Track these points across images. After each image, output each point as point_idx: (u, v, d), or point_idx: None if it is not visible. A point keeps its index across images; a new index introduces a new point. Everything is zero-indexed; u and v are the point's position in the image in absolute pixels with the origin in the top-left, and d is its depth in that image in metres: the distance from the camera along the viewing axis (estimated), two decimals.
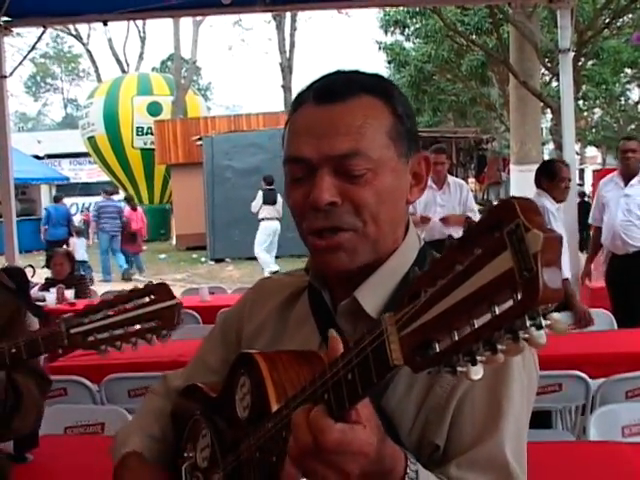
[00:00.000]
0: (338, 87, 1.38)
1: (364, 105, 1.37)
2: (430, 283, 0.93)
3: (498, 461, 1.29)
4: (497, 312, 0.84)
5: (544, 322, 0.83)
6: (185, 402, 1.63)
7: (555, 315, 0.84)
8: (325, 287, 1.47)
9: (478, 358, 0.88)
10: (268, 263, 17.15)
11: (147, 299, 1.82)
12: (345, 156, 1.33)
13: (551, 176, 6.28)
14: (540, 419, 4.66)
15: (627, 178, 7.18)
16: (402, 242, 1.45)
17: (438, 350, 0.91)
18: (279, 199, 16.50)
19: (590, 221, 7.63)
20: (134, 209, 20.07)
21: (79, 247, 17.76)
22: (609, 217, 7.20)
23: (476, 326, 0.87)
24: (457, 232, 0.94)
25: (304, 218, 1.38)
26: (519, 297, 0.82)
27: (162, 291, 1.82)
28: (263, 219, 16.98)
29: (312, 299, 1.51)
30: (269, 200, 16.75)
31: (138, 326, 1.83)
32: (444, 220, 7.60)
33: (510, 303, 0.83)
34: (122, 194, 31.04)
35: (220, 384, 1.50)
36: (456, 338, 0.89)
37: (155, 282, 1.85)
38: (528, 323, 0.82)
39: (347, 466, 1.06)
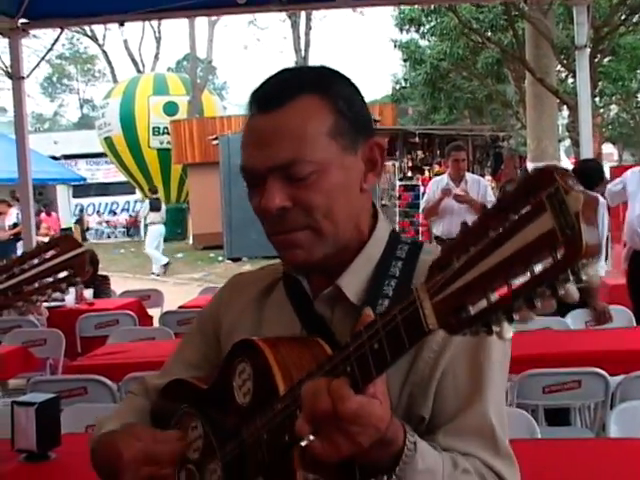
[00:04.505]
0: (276, 92, 1.39)
1: (302, 107, 1.37)
2: (462, 251, 0.97)
3: (484, 427, 1.35)
4: (537, 271, 0.89)
5: (584, 276, 0.88)
6: (167, 400, 1.62)
7: (589, 270, 0.88)
8: (304, 275, 1.50)
9: (515, 316, 0.92)
10: (158, 259, 19.73)
11: (54, 252, 1.81)
12: (287, 165, 1.35)
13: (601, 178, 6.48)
14: (559, 416, 4.65)
15: None
16: (374, 230, 1.48)
17: (473, 313, 0.95)
18: (163, 206, 19.95)
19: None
20: (49, 214, 22.23)
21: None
22: (630, 213, 7.13)
23: (514, 286, 0.91)
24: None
25: (263, 221, 1.43)
26: (561, 254, 0.87)
27: (67, 242, 1.82)
28: (150, 224, 19.66)
29: (288, 287, 1.54)
30: (154, 207, 19.63)
31: (51, 278, 1.81)
32: (459, 197, 7.63)
33: (549, 261, 0.88)
34: (138, 194, 31.24)
35: (209, 376, 1.52)
36: (493, 299, 0.93)
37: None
38: (571, 277, 0.87)
39: (359, 437, 1.11)
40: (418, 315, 1.01)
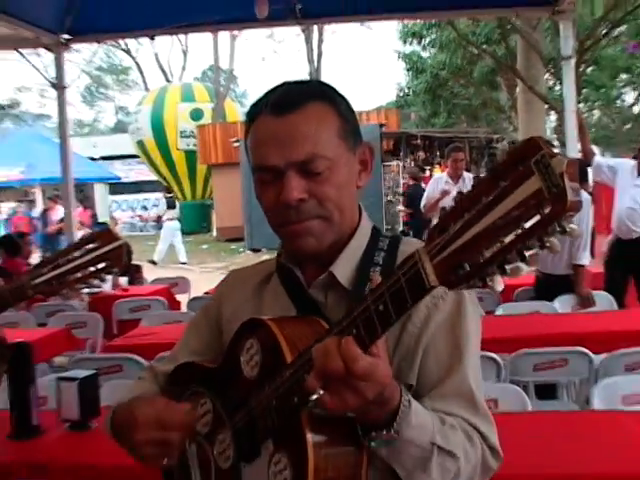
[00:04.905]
0: (291, 98, 1.43)
1: (315, 111, 1.42)
2: (458, 216, 1.00)
3: (464, 390, 1.40)
4: (526, 227, 0.93)
5: (568, 228, 0.92)
6: (175, 382, 1.61)
7: (572, 224, 0.92)
8: (297, 266, 1.53)
9: (507, 267, 0.96)
10: (161, 253, 19.60)
11: (94, 245, 1.81)
12: (307, 160, 1.39)
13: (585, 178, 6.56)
14: (547, 391, 4.65)
15: None
16: (359, 223, 1.53)
17: (469, 269, 0.99)
18: (177, 204, 20.66)
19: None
20: (85, 209, 22.22)
21: None
22: (618, 203, 7.01)
23: (506, 242, 0.95)
24: None
25: (277, 214, 1.44)
26: (548, 210, 0.91)
27: (106, 235, 1.82)
28: (167, 220, 19.82)
29: (282, 277, 1.56)
30: (170, 205, 20.15)
31: (92, 268, 1.83)
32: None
33: (537, 217, 0.92)
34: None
35: (215, 359, 1.52)
36: (487, 255, 0.97)
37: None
38: (557, 229, 0.91)
39: (366, 391, 1.14)
40: (420, 275, 1.04)
